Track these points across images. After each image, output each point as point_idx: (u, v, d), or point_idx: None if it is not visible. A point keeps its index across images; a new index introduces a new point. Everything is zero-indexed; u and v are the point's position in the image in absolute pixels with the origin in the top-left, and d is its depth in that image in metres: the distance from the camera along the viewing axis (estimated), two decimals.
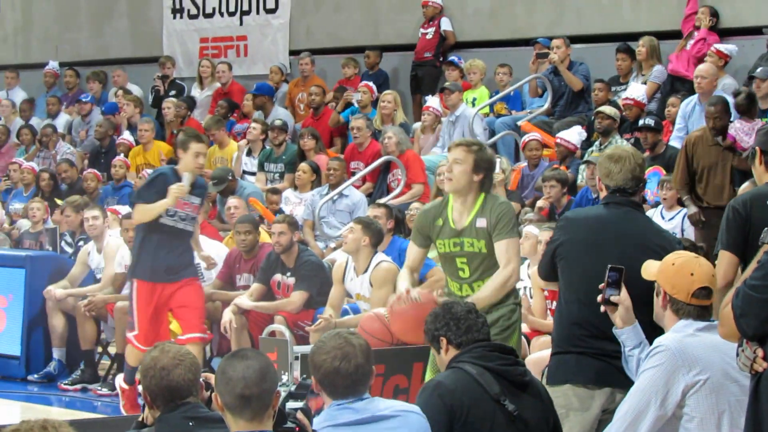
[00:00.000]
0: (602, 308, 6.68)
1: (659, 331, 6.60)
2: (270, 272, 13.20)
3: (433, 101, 17.05)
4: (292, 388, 5.96)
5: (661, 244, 7.38)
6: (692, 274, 6.15)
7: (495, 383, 6.32)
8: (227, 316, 12.72)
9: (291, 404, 5.67)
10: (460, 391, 6.29)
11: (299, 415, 5.63)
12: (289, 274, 13.15)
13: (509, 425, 6.33)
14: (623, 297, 6.60)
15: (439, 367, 6.79)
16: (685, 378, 5.99)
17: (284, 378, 5.86)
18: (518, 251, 8.24)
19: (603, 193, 7.70)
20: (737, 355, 6.04)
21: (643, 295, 6.61)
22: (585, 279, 7.36)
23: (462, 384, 6.32)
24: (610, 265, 6.67)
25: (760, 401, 5.16)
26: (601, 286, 6.67)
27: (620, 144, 13.61)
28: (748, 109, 13.37)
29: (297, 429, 5.54)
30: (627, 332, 6.58)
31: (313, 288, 13.01)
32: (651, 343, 6.53)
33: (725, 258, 7.10)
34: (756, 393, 5.20)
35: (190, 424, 5.74)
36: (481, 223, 8.45)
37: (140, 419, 6.31)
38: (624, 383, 6.89)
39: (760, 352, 5.04)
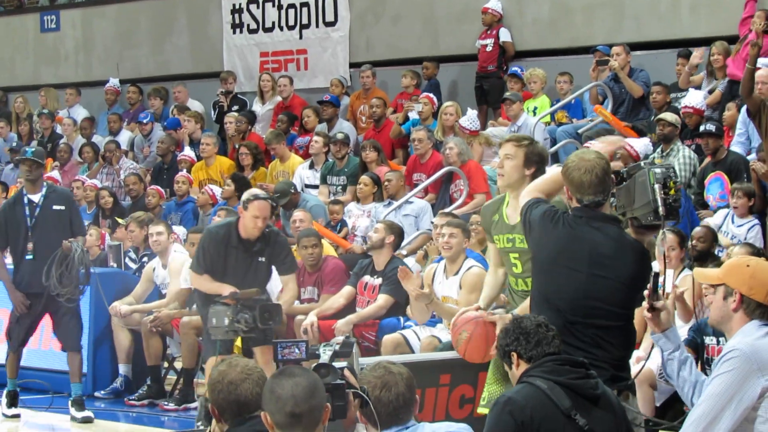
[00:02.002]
0: (647, 314, 6.65)
1: None
2: (361, 274, 13.28)
3: (463, 120, 16.93)
4: (336, 348, 6.14)
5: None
6: (753, 275, 6.09)
7: (566, 398, 6.31)
8: (311, 318, 12.80)
9: (337, 363, 5.80)
10: (531, 406, 6.27)
11: (346, 372, 5.79)
12: (377, 276, 13.19)
13: None
14: (667, 303, 6.63)
15: (512, 382, 6.74)
16: (760, 381, 5.92)
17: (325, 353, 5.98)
18: None
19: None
20: None
21: None
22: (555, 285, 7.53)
23: (532, 399, 6.30)
24: (654, 272, 6.74)
25: None
26: (646, 292, 6.67)
27: (680, 148, 13.89)
28: None
29: (344, 385, 5.68)
30: (666, 336, 6.59)
31: (402, 295, 12.82)
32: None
33: None
34: None
35: None
36: None
37: None
38: None
39: None
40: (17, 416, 12.82)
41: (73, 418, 12.57)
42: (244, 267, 11.34)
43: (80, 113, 22.16)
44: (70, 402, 12.92)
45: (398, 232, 13.61)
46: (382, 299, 12.90)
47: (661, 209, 7.54)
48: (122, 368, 14.48)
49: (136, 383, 14.29)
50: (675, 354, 6.52)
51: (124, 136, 20.60)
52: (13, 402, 12.88)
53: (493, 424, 6.27)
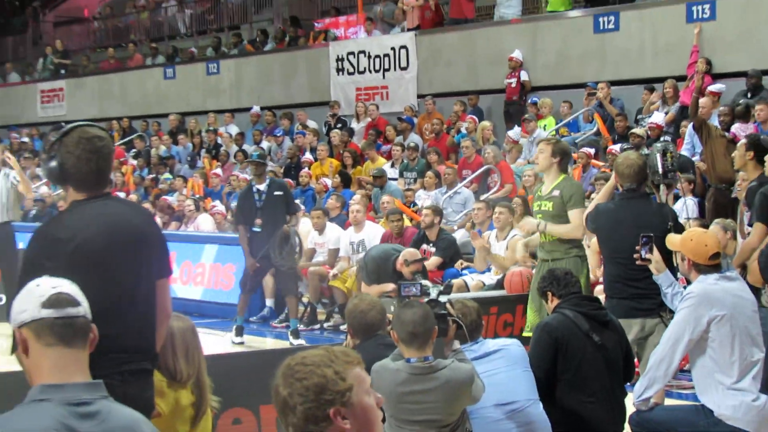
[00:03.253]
0: (638, 263, 6.94)
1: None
2: (419, 243, 13.14)
3: (510, 133, 17.03)
4: (441, 288, 6.15)
5: (661, 222, 7.53)
6: (706, 245, 6.21)
7: (585, 322, 6.38)
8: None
9: (442, 298, 5.87)
10: (561, 328, 6.38)
11: (447, 305, 5.81)
12: (431, 244, 13.17)
13: (595, 351, 6.36)
14: (654, 255, 6.81)
15: (547, 312, 6.81)
16: (708, 313, 6.03)
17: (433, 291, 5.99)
18: (582, 218, 8.33)
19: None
20: (761, 294, 6.27)
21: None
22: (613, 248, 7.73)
23: (562, 323, 6.42)
24: (642, 234, 6.93)
25: None
26: (637, 248, 6.87)
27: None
28: (744, 115, 13.68)
29: (447, 314, 5.70)
30: (661, 278, 6.78)
31: (447, 256, 13.05)
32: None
33: (759, 228, 7.05)
34: None
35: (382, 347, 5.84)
36: (556, 193, 8.70)
37: (344, 345, 6.36)
38: (651, 314, 7.35)
39: None
40: (242, 344, 12.74)
41: (291, 344, 12.38)
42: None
43: (234, 130, 22.30)
44: (289, 332, 12.87)
45: (440, 212, 13.70)
46: (435, 259, 12.92)
47: (660, 169, 7.73)
48: (268, 301, 14.57)
49: (278, 311, 14.28)
50: (669, 288, 6.71)
51: (264, 146, 20.63)
52: (239, 333, 12.84)
53: (536, 341, 6.45)
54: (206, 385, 5.44)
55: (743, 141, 8.51)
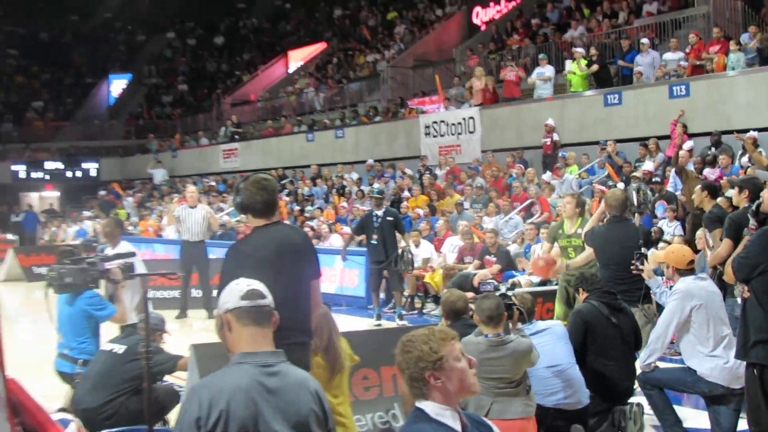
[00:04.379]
0: (634, 272, 6.72)
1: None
2: (484, 254, 13.04)
3: (545, 176, 16.76)
4: (508, 286, 6.23)
5: (635, 236, 7.35)
6: (684, 255, 6.17)
7: (606, 309, 6.33)
8: (485, 272, 12.46)
9: (509, 292, 5.83)
10: (590, 314, 6.33)
11: (513, 297, 5.70)
12: (492, 255, 13.05)
13: (613, 329, 6.29)
14: (645, 266, 6.64)
15: (579, 303, 6.62)
16: (690, 303, 5.98)
17: (503, 288, 5.91)
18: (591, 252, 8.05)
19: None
20: (734, 289, 6.19)
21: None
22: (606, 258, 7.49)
23: (590, 310, 6.36)
24: (636, 252, 6.74)
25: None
26: (633, 261, 6.67)
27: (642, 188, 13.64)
28: (712, 162, 13.70)
29: (513, 304, 5.64)
30: (651, 282, 6.62)
31: (504, 263, 12.84)
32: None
33: (727, 243, 6.76)
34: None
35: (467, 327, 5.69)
36: (580, 231, 8.42)
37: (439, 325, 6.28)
38: (633, 305, 6.97)
39: (746, 287, 4.95)
40: (379, 326, 12.34)
41: (397, 324, 12.15)
42: None
43: (354, 176, 22.11)
44: (396, 316, 12.73)
45: (498, 233, 13.54)
46: (496, 266, 12.79)
47: (635, 202, 7.67)
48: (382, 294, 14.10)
49: (387, 301, 14.04)
50: (658, 289, 6.55)
51: (375, 186, 20.26)
52: (378, 318, 12.71)
53: (572, 323, 6.38)
54: (338, 353, 5.41)
55: (699, 186, 8.52)
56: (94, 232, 23.40)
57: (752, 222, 5.56)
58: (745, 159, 13.74)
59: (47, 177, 33.20)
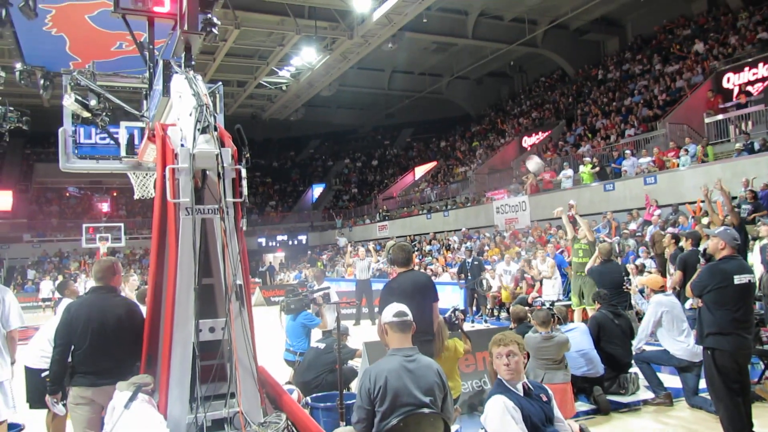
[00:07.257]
0: (625, 290, 6.30)
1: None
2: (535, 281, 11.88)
3: (569, 234, 15.01)
4: (551, 305, 5.48)
5: (619, 270, 6.85)
6: (657, 281, 5.78)
7: (611, 314, 5.80)
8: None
9: (552, 306, 5.34)
10: (602, 318, 5.77)
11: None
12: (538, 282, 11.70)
13: (617, 327, 5.73)
14: (632, 287, 6.20)
15: (594, 311, 6.04)
16: (661, 308, 5.59)
17: (548, 303, 5.35)
18: (590, 230, 7.37)
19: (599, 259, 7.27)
20: (691, 301, 5.70)
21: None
22: (602, 285, 6.76)
23: (602, 316, 5.81)
24: (626, 278, 6.31)
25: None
26: (624, 284, 6.26)
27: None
28: (674, 223, 12.41)
29: (555, 314, 5.05)
30: (635, 297, 6.16)
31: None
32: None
33: (678, 273, 6.29)
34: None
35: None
36: (585, 241, 7.81)
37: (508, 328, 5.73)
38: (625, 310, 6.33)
39: (699, 300, 4.51)
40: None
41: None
42: None
43: (455, 239, 21.15)
44: (482, 320, 11.51)
45: (539, 270, 11.77)
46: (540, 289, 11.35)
47: (617, 251, 6.78)
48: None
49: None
50: (640, 301, 6.21)
51: (468, 244, 19.47)
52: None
53: (591, 325, 5.86)
54: (442, 345, 4.62)
55: (667, 235, 8.02)
56: (305, 276, 23.27)
57: (702, 260, 5.11)
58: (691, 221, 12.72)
59: (278, 245, 34.69)
